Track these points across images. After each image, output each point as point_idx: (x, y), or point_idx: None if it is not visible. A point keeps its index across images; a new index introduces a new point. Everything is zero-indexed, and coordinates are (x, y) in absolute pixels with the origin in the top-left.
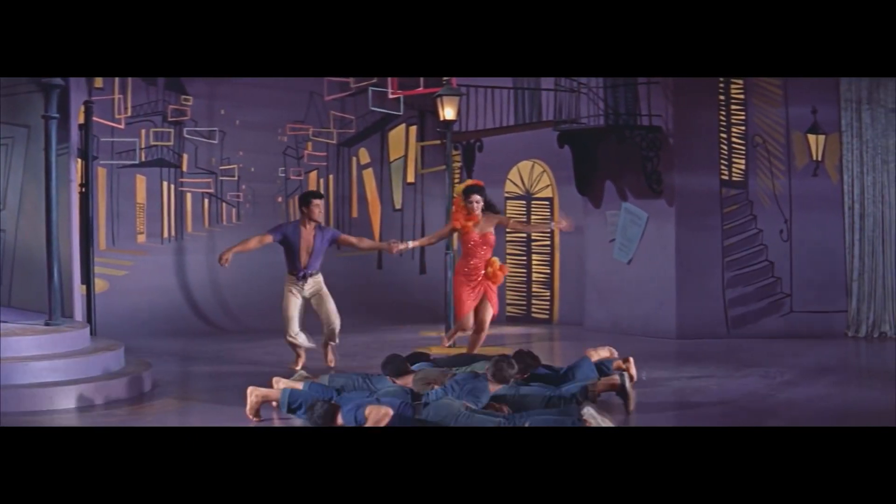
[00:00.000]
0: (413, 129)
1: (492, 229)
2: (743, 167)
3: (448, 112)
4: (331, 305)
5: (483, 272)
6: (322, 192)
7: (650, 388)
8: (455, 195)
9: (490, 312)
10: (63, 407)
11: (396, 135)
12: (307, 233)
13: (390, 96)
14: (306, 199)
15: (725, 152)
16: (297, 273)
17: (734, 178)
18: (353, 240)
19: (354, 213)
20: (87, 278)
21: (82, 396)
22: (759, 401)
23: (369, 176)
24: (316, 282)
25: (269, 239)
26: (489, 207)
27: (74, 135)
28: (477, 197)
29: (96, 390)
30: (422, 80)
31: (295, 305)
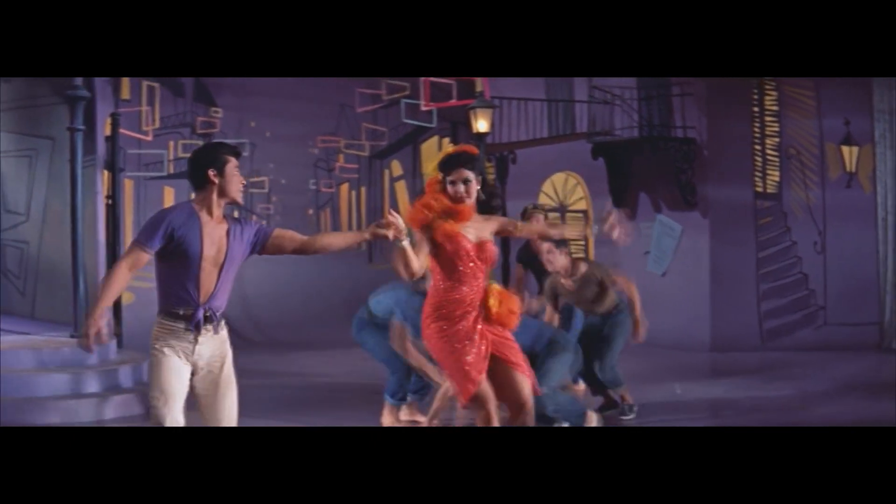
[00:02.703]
0: (446, 141)
1: (491, 236)
2: (777, 179)
3: (481, 124)
4: (233, 407)
5: (477, 312)
6: (353, 204)
7: (683, 402)
8: (428, 177)
9: (525, 383)
10: (89, 420)
11: (429, 147)
12: (214, 226)
13: (423, 108)
14: (216, 155)
15: (759, 164)
16: (191, 313)
17: (768, 190)
18: (300, 239)
19: None
20: None
21: (109, 408)
22: (791, 414)
23: (401, 188)
24: (220, 339)
25: (143, 258)
26: (490, 199)
27: (101, 146)
28: (466, 173)
29: (123, 402)
30: (454, 91)
31: (178, 376)
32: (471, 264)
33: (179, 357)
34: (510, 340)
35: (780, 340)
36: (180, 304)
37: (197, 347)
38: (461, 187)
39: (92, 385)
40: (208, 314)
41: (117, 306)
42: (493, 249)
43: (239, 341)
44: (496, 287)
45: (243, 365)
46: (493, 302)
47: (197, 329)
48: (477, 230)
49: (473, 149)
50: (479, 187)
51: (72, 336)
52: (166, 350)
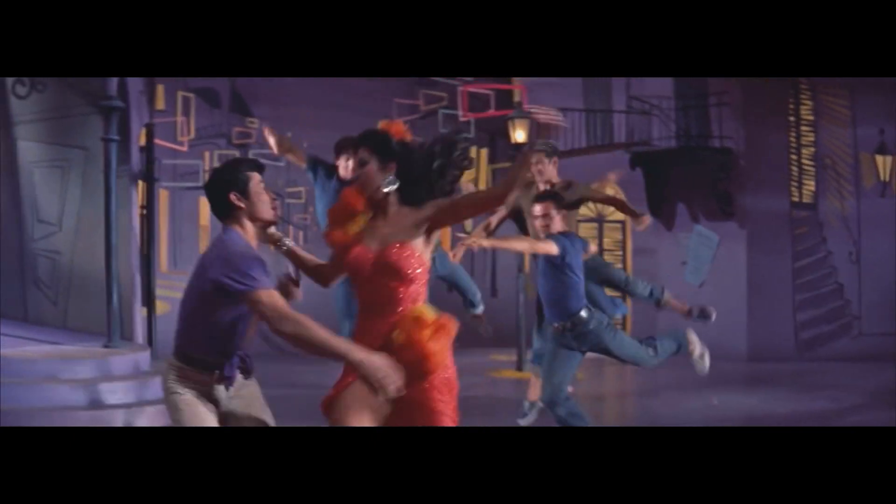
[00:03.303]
0: (484, 151)
1: (413, 236)
2: (813, 188)
3: (519, 134)
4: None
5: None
6: None
7: (720, 412)
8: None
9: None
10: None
11: None
12: None
13: (461, 119)
14: (234, 174)
15: (795, 174)
16: (224, 363)
17: (804, 200)
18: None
19: None
20: (147, 300)
21: (142, 419)
22: (826, 424)
23: None
24: (246, 384)
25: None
26: (430, 187)
27: (135, 157)
28: (360, 154)
29: (157, 413)
30: (492, 102)
31: (212, 421)
32: (370, 284)
33: (207, 404)
34: (443, 408)
35: (816, 350)
36: (220, 356)
37: (225, 402)
38: (368, 171)
39: (125, 395)
40: (245, 362)
41: (150, 316)
42: (403, 256)
43: (270, 350)
44: (417, 311)
45: (273, 375)
46: (396, 334)
47: (231, 381)
48: (391, 231)
49: (394, 125)
50: (387, 176)
51: (105, 346)
52: (192, 395)
